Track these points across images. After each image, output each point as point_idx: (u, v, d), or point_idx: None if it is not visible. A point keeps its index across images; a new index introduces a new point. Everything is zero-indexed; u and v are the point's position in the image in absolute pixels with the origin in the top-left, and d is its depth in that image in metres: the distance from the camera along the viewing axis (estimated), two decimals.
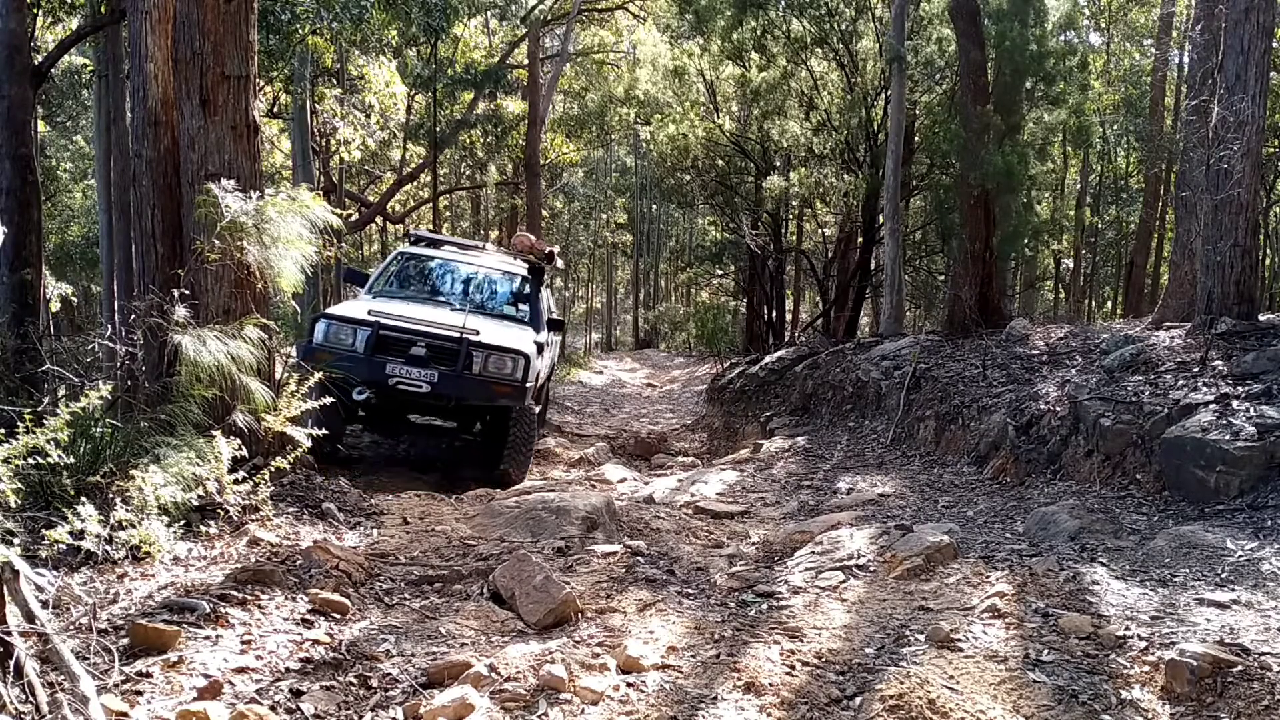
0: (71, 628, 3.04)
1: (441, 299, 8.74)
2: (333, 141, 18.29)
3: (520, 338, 8.03)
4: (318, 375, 5.65)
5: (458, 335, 7.32)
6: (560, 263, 10.55)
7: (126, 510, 3.72)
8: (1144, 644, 3.24)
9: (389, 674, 3.14)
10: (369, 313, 7.37)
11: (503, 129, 21.90)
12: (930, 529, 4.85)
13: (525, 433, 7.81)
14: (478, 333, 7.43)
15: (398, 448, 9.28)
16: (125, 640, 3.02)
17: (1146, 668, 3.08)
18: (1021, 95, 11.69)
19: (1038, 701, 2.91)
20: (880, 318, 15.36)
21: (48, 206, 17.39)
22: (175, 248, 5.42)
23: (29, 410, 3.33)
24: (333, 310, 7.63)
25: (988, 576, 4.10)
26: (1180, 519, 4.99)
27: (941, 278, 16.21)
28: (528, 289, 9.35)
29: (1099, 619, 3.51)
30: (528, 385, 7.54)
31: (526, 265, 9.57)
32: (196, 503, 4.23)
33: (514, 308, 9.08)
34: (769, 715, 2.86)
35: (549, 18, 22.32)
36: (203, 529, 4.20)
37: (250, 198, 4.98)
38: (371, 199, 22.92)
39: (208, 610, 3.32)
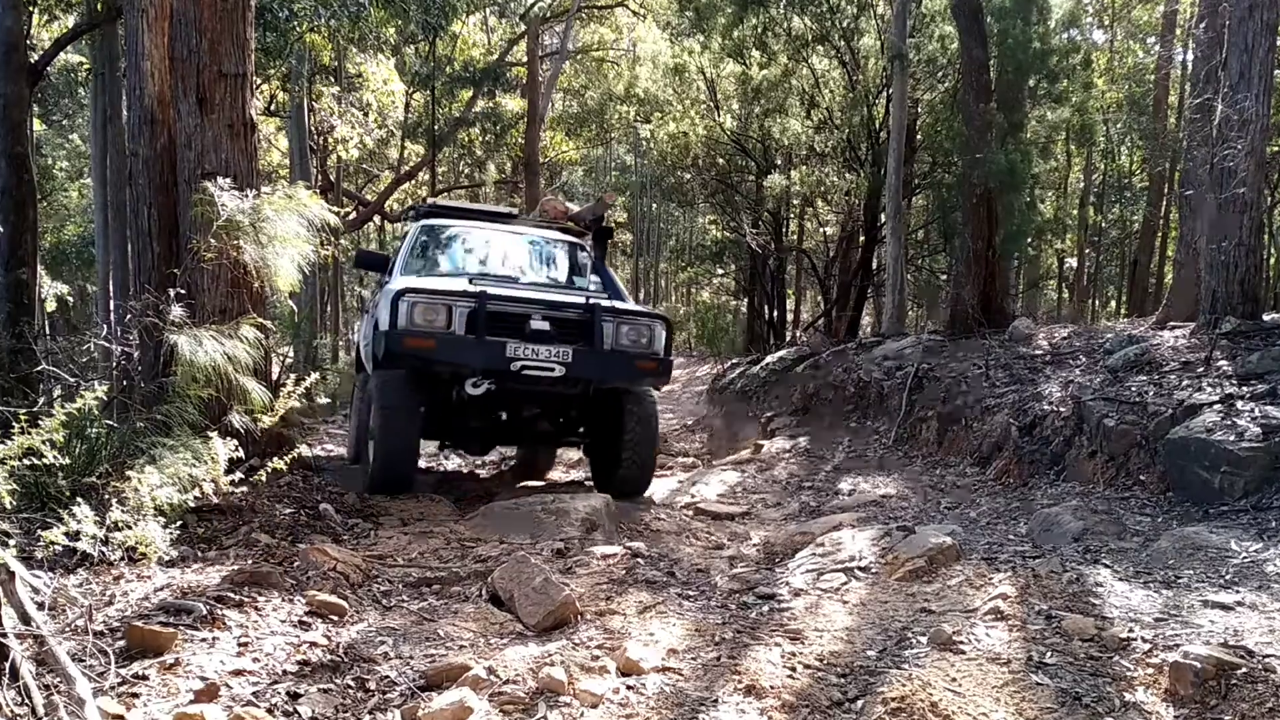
0: (67, 630, 3.01)
1: (501, 274, 6.95)
2: (330, 139, 18.28)
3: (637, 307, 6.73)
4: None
5: (586, 302, 6.07)
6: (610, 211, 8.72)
7: (122, 511, 3.69)
8: (1148, 646, 3.21)
9: (387, 676, 3.11)
10: (471, 281, 6.10)
11: (502, 127, 21.88)
12: (932, 530, 4.83)
13: (648, 421, 6.32)
14: (608, 296, 6.27)
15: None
16: (121, 642, 3.00)
17: (1150, 670, 3.05)
18: (1024, 93, 11.67)
19: (1041, 704, 2.88)
20: (882, 317, 15.34)
21: (43, 205, 17.38)
22: (172, 247, 5.40)
23: (24, 410, 3.31)
24: (417, 283, 6.08)
25: (990, 578, 4.07)
26: (1184, 520, 4.97)
27: (944, 277, 16.18)
28: (584, 259, 7.49)
29: (1102, 621, 3.48)
30: (670, 359, 6.30)
31: (589, 232, 7.94)
32: (193, 504, 4.20)
33: (585, 280, 7.30)
34: (770, 718, 2.83)
35: (548, 15, 22.30)
36: (199, 530, 4.18)
37: (247, 196, 4.96)
38: (369, 197, 22.91)
39: (204, 612, 3.29)
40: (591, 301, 6.06)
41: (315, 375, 5.65)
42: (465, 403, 6.08)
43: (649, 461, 6.41)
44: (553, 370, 5.87)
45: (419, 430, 6.08)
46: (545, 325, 5.93)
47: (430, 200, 8.74)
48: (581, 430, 6.85)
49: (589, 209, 7.91)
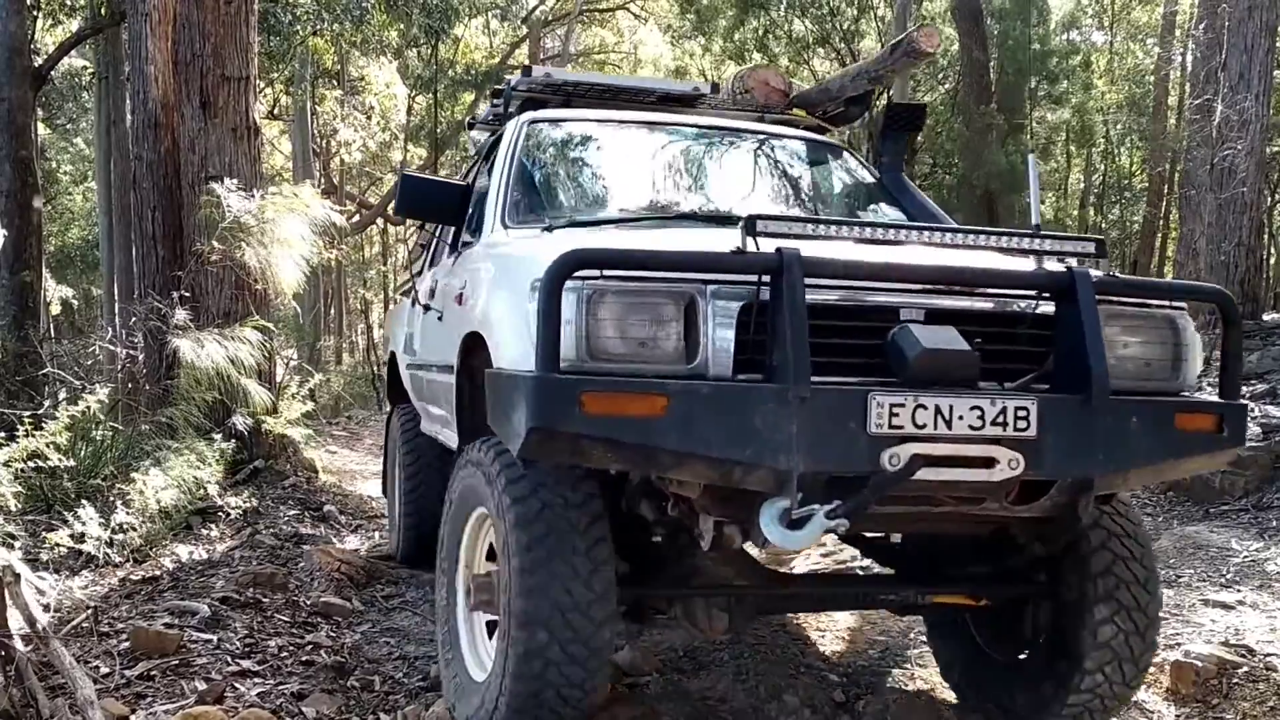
0: (72, 631, 3.03)
1: (708, 215, 3.21)
2: (333, 143, 18.34)
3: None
4: None
5: (1038, 267, 2.27)
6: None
7: (127, 513, 3.72)
8: None
9: (392, 677, 3.13)
10: (748, 226, 2.05)
11: None
12: None
13: (1143, 560, 2.58)
14: (1091, 257, 2.28)
15: None
16: (126, 644, 3.01)
17: (1152, 669, 3.06)
18: (1025, 95, 11.71)
19: None
20: None
21: (48, 209, 17.42)
22: (176, 250, 5.42)
23: (29, 414, 3.33)
24: (595, 239, 2.69)
25: None
26: (1185, 519, 4.98)
27: None
28: (861, 175, 3.71)
29: None
30: (1242, 403, 2.43)
31: (841, 124, 4.39)
32: (197, 505, 4.22)
33: (865, 212, 3.57)
34: (773, 717, 2.84)
35: (550, 18, 22.36)
36: (204, 532, 4.20)
37: (252, 199, 4.98)
38: (373, 200, 22.96)
39: (209, 613, 3.31)
40: (1057, 265, 2.30)
41: (318, 378, 5.67)
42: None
43: (1143, 656, 2.63)
44: (992, 466, 2.08)
45: (614, 609, 2.38)
46: (948, 337, 2.11)
47: (539, 71, 4.04)
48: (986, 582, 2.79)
49: (854, 73, 3.97)
